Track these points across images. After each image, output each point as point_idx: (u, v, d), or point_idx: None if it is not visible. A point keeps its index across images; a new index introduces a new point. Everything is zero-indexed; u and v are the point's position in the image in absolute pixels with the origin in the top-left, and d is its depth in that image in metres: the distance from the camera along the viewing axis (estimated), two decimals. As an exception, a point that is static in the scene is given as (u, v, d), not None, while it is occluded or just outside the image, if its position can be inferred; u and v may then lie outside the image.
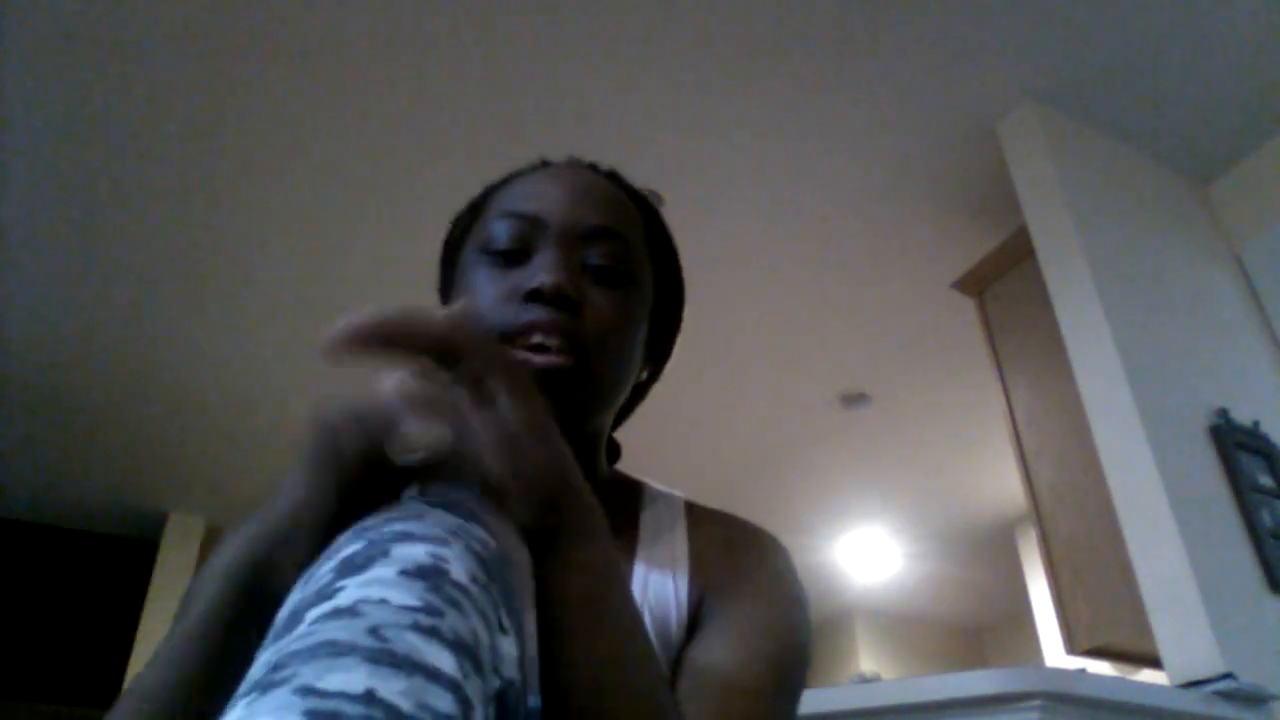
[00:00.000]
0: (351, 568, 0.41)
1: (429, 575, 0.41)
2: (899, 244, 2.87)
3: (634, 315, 0.64)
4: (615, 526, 0.57)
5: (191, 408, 3.56)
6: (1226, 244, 2.60)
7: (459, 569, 0.42)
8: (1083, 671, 1.59)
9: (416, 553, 0.42)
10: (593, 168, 0.71)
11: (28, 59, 2.19)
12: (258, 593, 0.46)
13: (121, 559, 4.33)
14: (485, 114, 2.38)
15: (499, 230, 0.63)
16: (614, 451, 0.73)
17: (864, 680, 2.14)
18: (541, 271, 0.60)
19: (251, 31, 2.16)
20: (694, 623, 0.61)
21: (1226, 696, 1.60)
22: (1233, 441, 2.04)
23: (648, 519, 0.68)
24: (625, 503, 0.69)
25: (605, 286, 0.62)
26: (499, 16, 2.15)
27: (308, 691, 0.33)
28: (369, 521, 0.46)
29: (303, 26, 2.16)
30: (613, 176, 0.71)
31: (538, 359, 0.57)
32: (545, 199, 0.64)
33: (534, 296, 0.59)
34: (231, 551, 0.49)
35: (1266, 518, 1.97)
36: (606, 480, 0.69)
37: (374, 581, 0.40)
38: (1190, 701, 1.59)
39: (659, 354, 0.73)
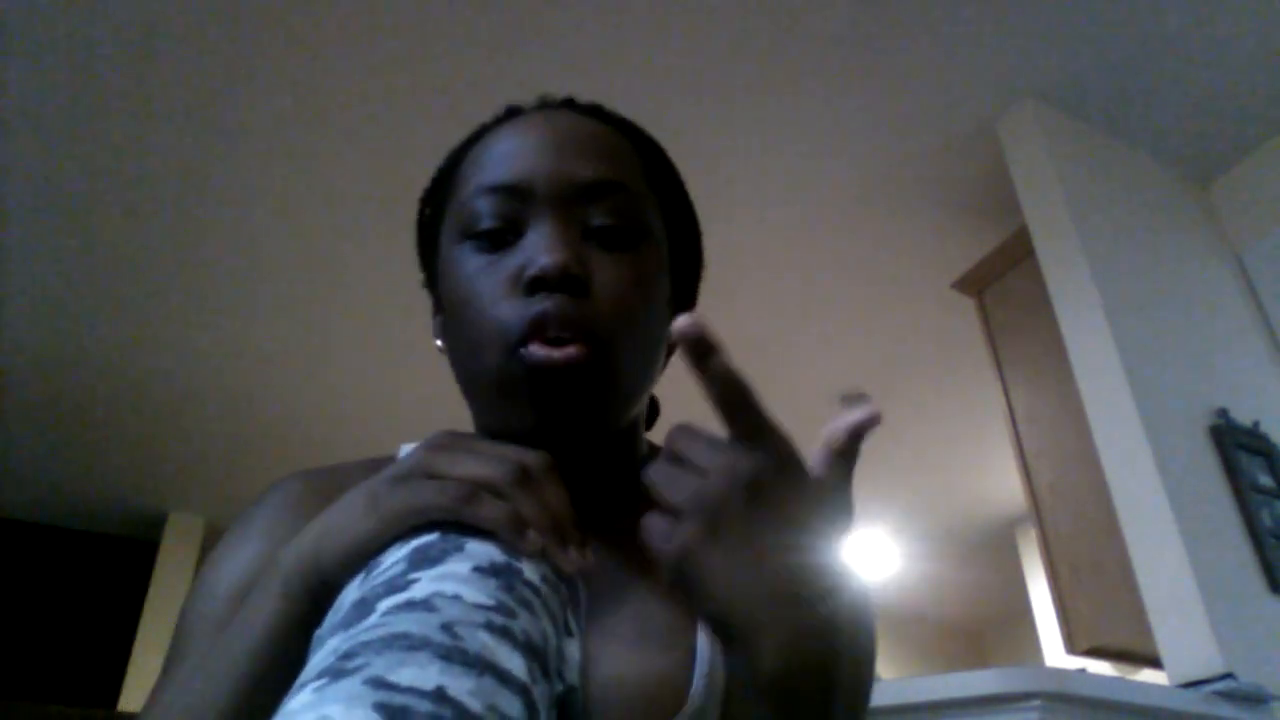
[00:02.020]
0: (425, 560, 0.40)
1: (502, 573, 0.40)
2: (899, 244, 2.87)
3: (652, 278, 0.55)
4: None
5: (191, 408, 3.56)
6: (1227, 244, 2.60)
7: (531, 569, 0.42)
8: (1083, 671, 1.59)
9: (490, 549, 0.41)
10: (569, 104, 0.61)
11: (28, 60, 2.19)
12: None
13: (121, 559, 4.33)
14: (485, 114, 2.38)
15: (479, 209, 0.54)
16: (653, 411, 0.65)
17: (864, 680, 2.13)
18: (540, 253, 0.51)
19: (253, 32, 2.16)
20: None
21: (1226, 696, 1.60)
22: (1233, 441, 2.04)
23: None
24: None
25: (614, 251, 0.54)
26: (499, 16, 2.15)
27: (379, 684, 0.32)
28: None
29: (305, 26, 2.16)
30: (596, 112, 0.61)
31: (556, 354, 0.49)
32: (525, 160, 0.55)
33: (538, 284, 0.50)
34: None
35: (1266, 518, 1.97)
36: (648, 460, 0.60)
37: (448, 576, 0.39)
38: (1190, 701, 1.59)
39: (684, 302, 0.64)
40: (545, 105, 0.61)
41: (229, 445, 3.83)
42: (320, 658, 0.36)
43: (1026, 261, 2.38)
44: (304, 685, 0.34)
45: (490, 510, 0.42)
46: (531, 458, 0.44)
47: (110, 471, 3.98)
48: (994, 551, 4.77)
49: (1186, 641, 1.73)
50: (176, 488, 4.14)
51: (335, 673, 0.33)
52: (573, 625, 0.44)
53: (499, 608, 0.38)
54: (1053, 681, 1.41)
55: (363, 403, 3.49)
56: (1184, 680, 1.68)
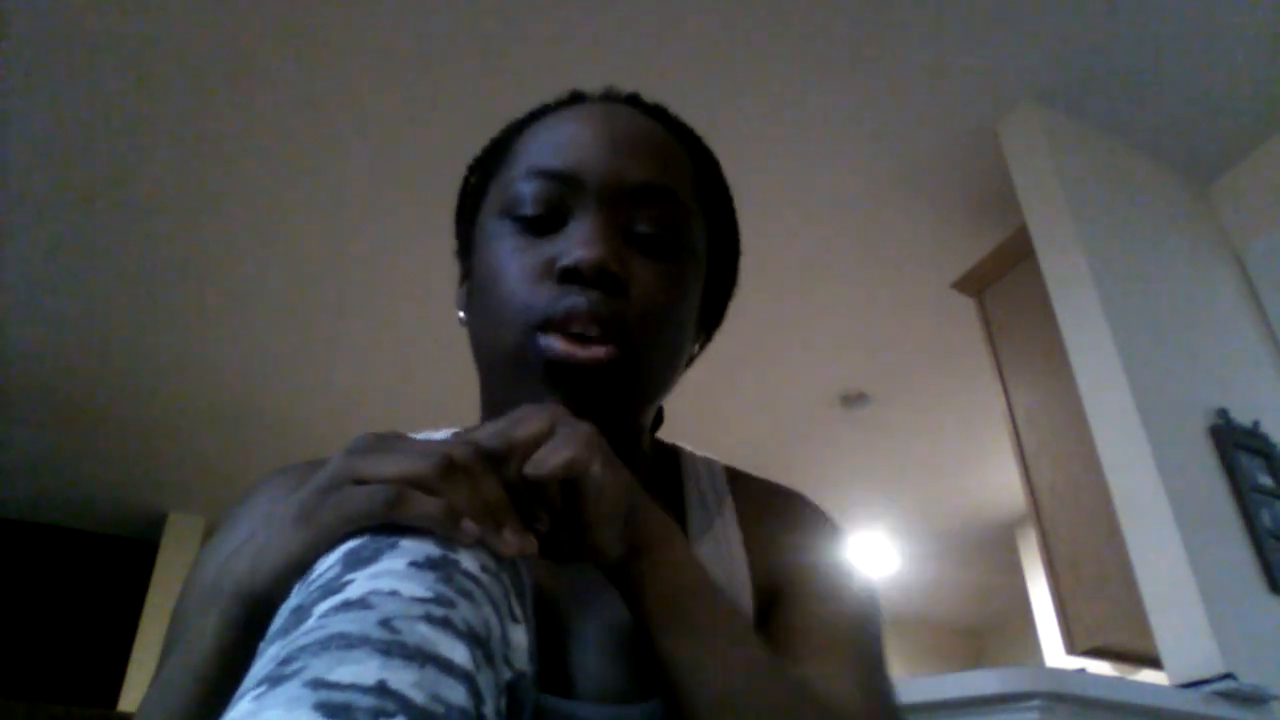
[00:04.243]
0: (360, 560, 0.40)
1: (439, 565, 0.40)
2: (899, 244, 2.87)
3: (688, 291, 0.55)
4: (660, 501, 0.53)
5: (191, 408, 3.56)
6: (1227, 244, 2.60)
7: (469, 559, 0.42)
8: (1083, 671, 1.59)
9: (425, 543, 0.41)
10: (633, 101, 0.61)
11: (30, 64, 2.19)
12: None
13: (121, 559, 4.33)
14: (485, 116, 2.38)
15: (526, 191, 0.54)
16: (658, 418, 0.66)
17: (864, 680, 2.13)
18: (579, 245, 0.50)
19: (256, 36, 2.16)
20: (761, 604, 0.58)
21: (1226, 696, 1.60)
22: (1233, 441, 2.04)
23: (691, 491, 0.62)
24: (667, 476, 0.63)
25: (655, 259, 0.53)
26: (500, 16, 2.15)
27: (319, 684, 0.32)
28: None
29: (306, 32, 2.16)
30: (659, 113, 0.61)
31: (580, 353, 0.49)
32: (581, 150, 0.54)
33: (571, 275, 0.50)
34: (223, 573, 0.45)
35: (1266, 518, 1.97)
36: (648, 457, 0.63)
37: (384, 573, 0.39)
38: (1190, 701, 1.59)
39: (711, 321, 0.65)
40: (609, 97, 0.61)
41: (229, 445, 3.83)
42: (259, 666, 0.35)
43: (1026, 261, 2.38)
44: (243, 695, 0.33)
45: (421, 507, 0.41)
46: (459, 449, 0.43)
47: (110, 471, 3.98)
48: (994, 552, 4.77)
49: (1186, 641, 1.73)
50: (176, 488, 4.14)
51: (274, 679, 0.33)
52: (518, 611, 0.44)
53: (438, 599, 0.38)
54: (1053, 681, 1.41)
55: (362, 403, 3.49)
56: (1184, 680, 1.68)
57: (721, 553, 0.58)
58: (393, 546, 0.41)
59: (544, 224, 0.53)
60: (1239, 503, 1.97)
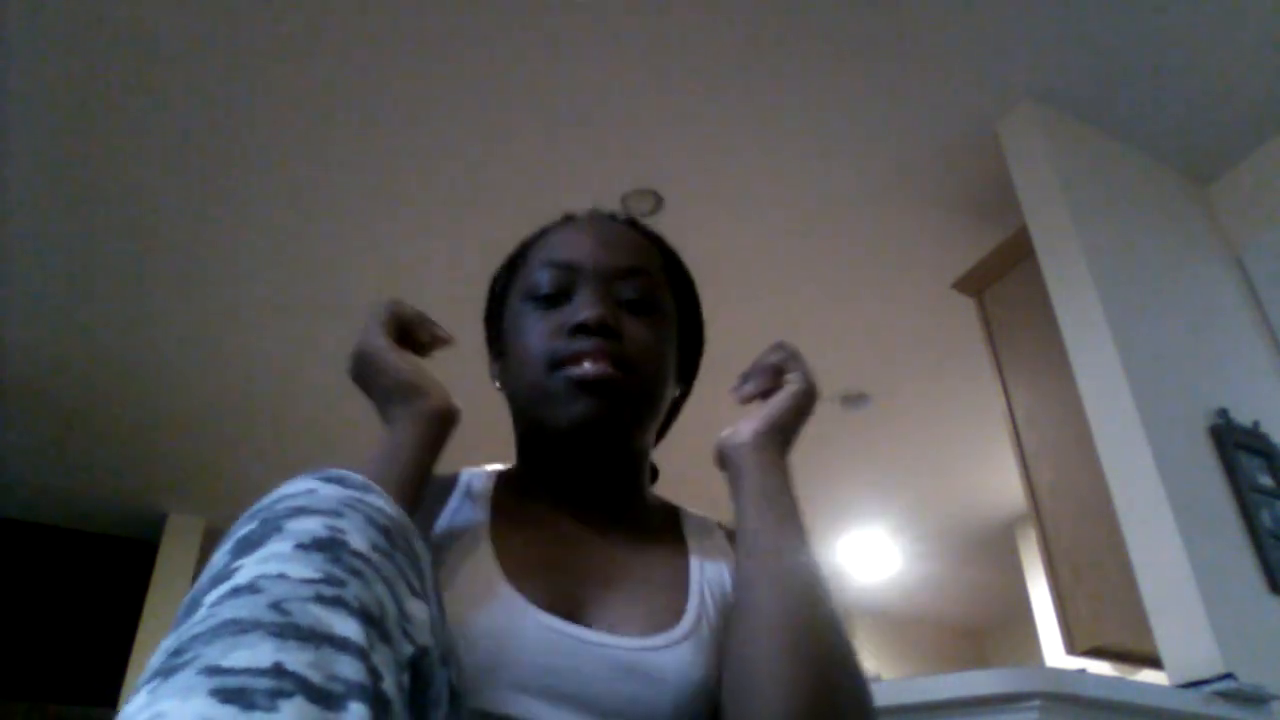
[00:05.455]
0: (246, 546, 0.41)
1: (327, 547, 0.40)
2: (899, 244, 2.87)
3: (665, 337, 0.74)
4: (664, 538, 0.73)
5: (191, 408, 3.56)
6: (1226, 244, 2.60)
7: (358, 539, 0.42)
8: (1083, 671, 1.59)
9: (311, 526, 0.42)
10: (612, 217, 0.81)
11: (29, 60, 2.19)
12: None
13: (121, 559, 4.33)
14: (485, 117, 2.38)
15: (542, 278, 0.72)
16: (653, 474, 0.81)
17: (864, 680, 2.13)
18: (585, 308, 0.69)
19: (253, 34, 2.16)
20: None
21: (1226, 696, 1.60)
22: (1233, 441, 2.04)
23: (691, 527, 0.77)
24: (668, 518, 0.78)
25: (638, 315, 0.72)
26: (499, 18, 2.15)
27: (213, 671, 0.32)
28: (260, 503, 0.45)
29: (304, 28, 2.16)
30: (631, 223, 0.81)
31: (593, 368, 0.66)
32: (578, 248, 0.74)
33: (581, 329, 0.68)
34: None
35: (1266, 518, 1.97)
36: (650, 499, 0.79)
37: (271, 557, 0.39)
38: (1190, 701, 1.59)
39: (687, 374, 0.83)
40: (594, 214, 0.81)
41: (228, 446, 3.83)
42: (152, 661, 0.35)
43: (1026, 261, 2.38)
44: (138, 689, 0.33)
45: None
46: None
47: (110, 471, 3.98)
48: (994, 551, 4.77)
49: (1186, 641, 1.73)
50: (176, 488, 4.14)
51: (166, 670, 0.33)
52: (417, 586, 0.44)
53: (327, 579, 0.38)
54: (1053, 681, 1.41)
55: (362, 404, 3.48)
56: (1184, 680, 1.68)
57: (715, 565, 0.72)
58: (278, 530, 0.41)
59: (556, 300, 0.72)
60: (1239, 503, 1.96)
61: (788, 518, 0.65)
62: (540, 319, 0.71)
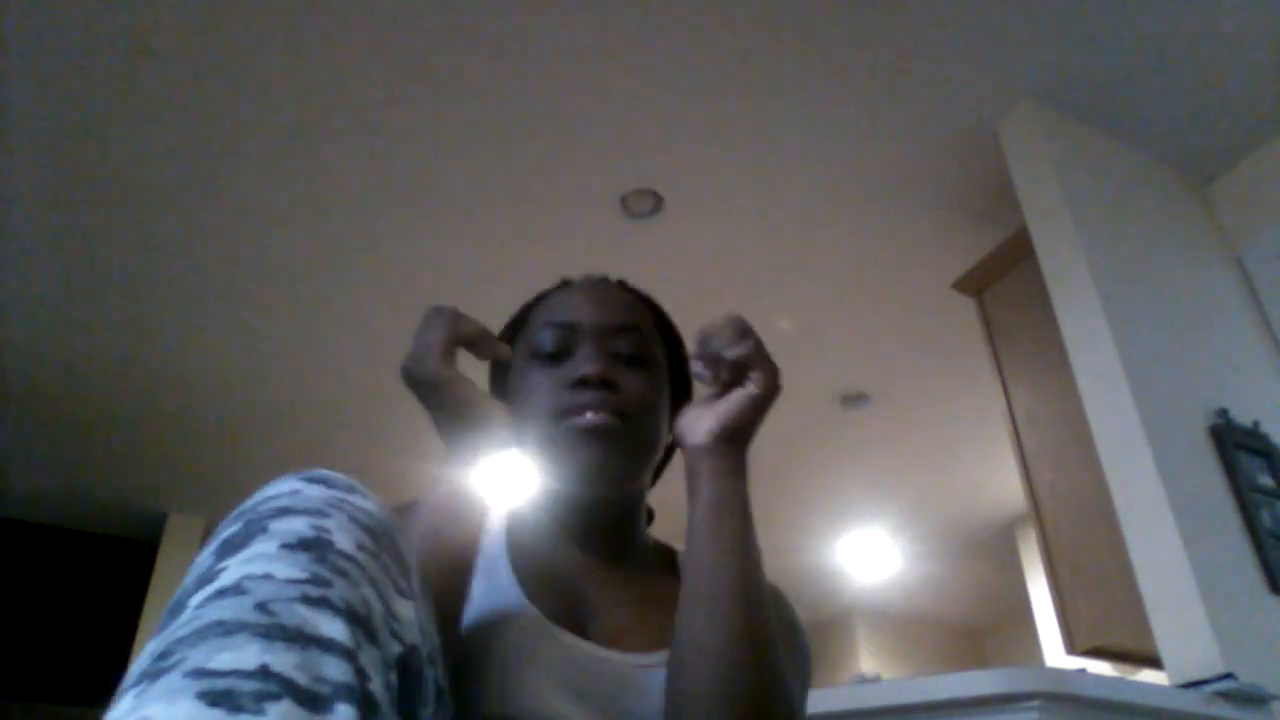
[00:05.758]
0: (231, 548, 0.40)
1: (312, 547, 0.40)
2: (899, 244, 2.87)
3: (658, 387, 0.80)
4: (660, 572, 0.80)
5: (191, 408, 3.56)
6: (1226, 244, 2.60)
7: (343, 539, 0.42)
8: (1083, 671, 1.59)
9: (297, 526, 0.41)
10: (605, 280, 0.88)
11: (30, 63, 2.19)
12: None
13: (121, 559, 4.33)
14: (485, 118, 2.38)
15: (544, 338, 0.78)
16: (649, 515, 0.86)
17: (864, 681, 2.14)
18: (585, 363, 0.75)
19: (252, 38, 2.16)
20: None
21: (1226, 696, 1.60)
22: (1233, 441, 2.04)
23: (682, 557, 0.80)
24: (663, 555, 0.84)
25: (633, 368, 0.78)
26: (497, 20, 2.15)
27: (199, 673, 0.32)
28: (245, 504, 0.45)
29: (304, 28, 2.16)
30: (621, 284, 0.88)
31: (595, 418, 0.72)
32: (577, 309, 0.80)
33: (582, 383, 0.74)
34: None
35: (1266, 518, 1.97)
36: (647, 540, 0.84)
37: (256, 557, 0.39)
38: (1190, 701, 1.59)
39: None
40: (588, 278, 0.87)
41: (228, 446, 3.83)
42: (137, 663, 0.35)
43: (1026, 261, 2.38)
44: (124, 692, 0.33)
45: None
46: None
47: (110, 471, 3.98)
48: (994, 551, 4.77)
49: (1186, 641, 1.73)
50: (176, 488, 4.14)
51: (152, 674, 0.33)
52: (404, 585, 0.44)
53: (313, 579, 0.38)
54: (1053, 681, 1.41)
55: (362, 405, 3.49)
56: (1184, 680, 1.68)
57: None
58: (263, 531, 0.41)
59: (558, 357, 0.77)
60: (1239, 503, 1.96)
61: (734, 542, 0.66)
62: (545, 374, 0.77)
